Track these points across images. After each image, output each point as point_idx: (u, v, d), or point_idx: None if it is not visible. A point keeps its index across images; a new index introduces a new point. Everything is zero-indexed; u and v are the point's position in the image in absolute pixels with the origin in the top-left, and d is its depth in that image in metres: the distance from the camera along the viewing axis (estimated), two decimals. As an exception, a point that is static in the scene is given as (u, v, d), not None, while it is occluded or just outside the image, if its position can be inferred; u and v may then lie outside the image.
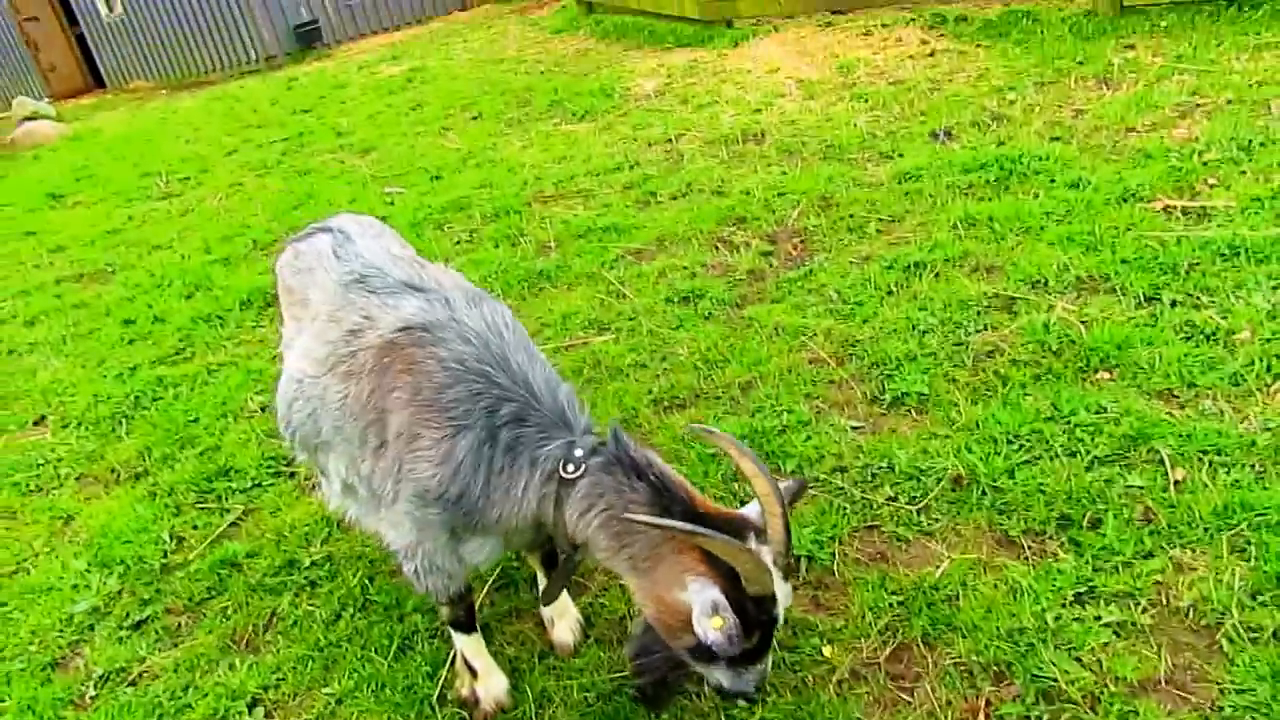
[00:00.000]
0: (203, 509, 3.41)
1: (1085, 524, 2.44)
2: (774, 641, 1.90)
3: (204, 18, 16.60)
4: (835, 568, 2.51)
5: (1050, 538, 2.44)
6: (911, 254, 4.01)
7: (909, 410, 3.09)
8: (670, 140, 6.26)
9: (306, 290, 2.49)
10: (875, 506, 2.69)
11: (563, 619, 2.52)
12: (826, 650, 2.27)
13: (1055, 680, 2.05)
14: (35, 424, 4.36)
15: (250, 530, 3.24)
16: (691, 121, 6.57)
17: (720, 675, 1.89)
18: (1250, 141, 4.36)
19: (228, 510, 3.37)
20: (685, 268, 4.38)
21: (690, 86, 7.51)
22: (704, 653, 1.81)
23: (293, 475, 3.50)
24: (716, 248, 4.55)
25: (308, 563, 3.01)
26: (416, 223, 5.74)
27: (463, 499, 2.02)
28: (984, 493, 2.63)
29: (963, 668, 2.15)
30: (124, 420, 4.16)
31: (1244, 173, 4.12)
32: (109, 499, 3.60)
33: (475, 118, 8.31)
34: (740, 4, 8.73)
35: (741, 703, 2.09)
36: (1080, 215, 4.04)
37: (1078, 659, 2.09)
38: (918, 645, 2.24)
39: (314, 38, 16.16)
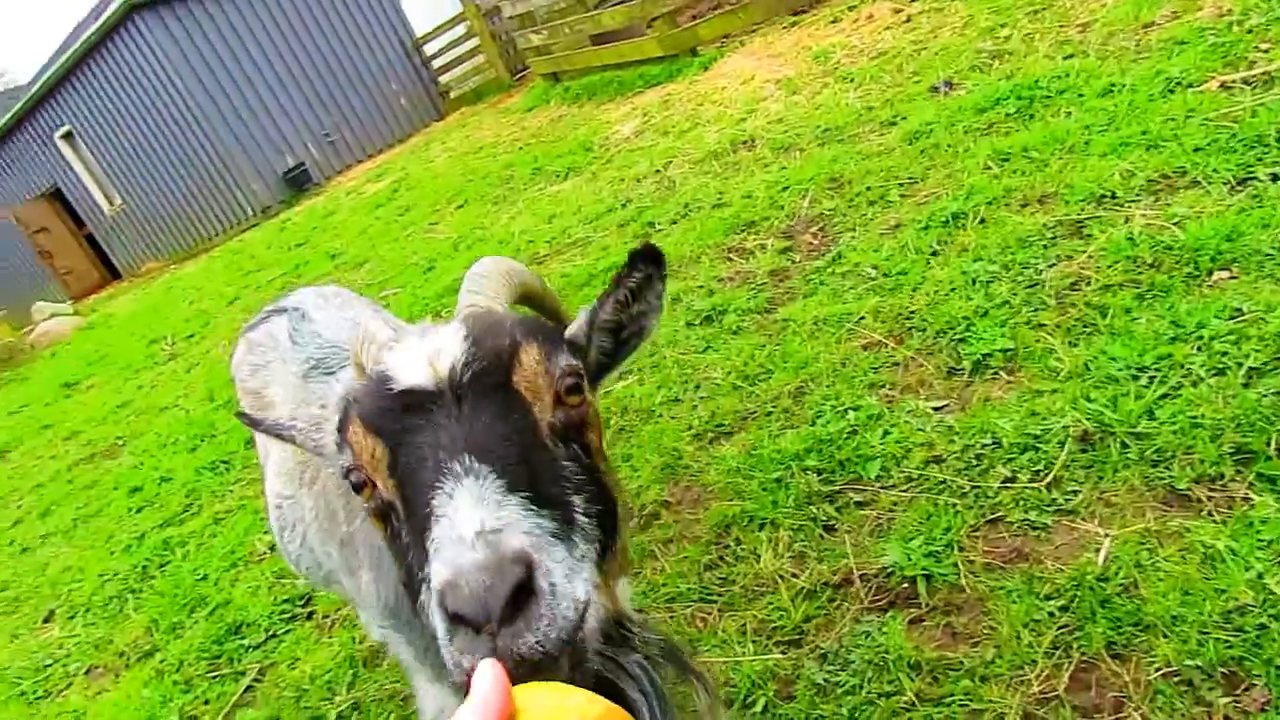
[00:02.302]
0: (215, 678, 2.95)
1: (1273, 451, 1.87)
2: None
3: (197, 189, 16.92)
4: (963, 581, 1.95)
5: (1232, 480, 1.86)
6: (946, 207, 3.51)
7: (996, 372, 2.54)
8: (658, 170, 5.87)
9: (267, 389, 2.08)
10: (991, 494, 2.14)
11: None
12: (984, 691, 1.70)
13: (1316, 669, 1.47)
14: (44, 621, 3.97)
15: (267, 692, 2.76)
16: (676, 148, 6.19)
17: None
18: (1293, -3, 3.82)
19: (241, 673, 2.90)
20: (701, 286, 3.91)
21: (668, 118, 7.16)
22: None
23: (310, 616, 3.03)
24: (730, 258, 4.08)
25: (334, 717, 2.51)
26: (412, 316, 5.37)
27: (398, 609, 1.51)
28: (1124, 445, 2.07)
29: (1176, 678, 1.57)
30: (131, 596, 3.75)
31: (1299, 29, 3.58)
32: (117, 689, 3.15)
33: (461, 206, 8.04)
34: (700, 29, 8.45)
35: None
36: (1126, 119, 3.51)
37: (1335, 632, 1.51)
38: (1104, 661, 1.66)
39: (304, 180, 16.32)
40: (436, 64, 16.33)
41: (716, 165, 5.41)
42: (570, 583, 0.92)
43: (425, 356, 1.07)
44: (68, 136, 18.56)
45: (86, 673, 3.39)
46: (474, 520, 0.90)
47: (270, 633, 3.04)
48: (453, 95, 16.11)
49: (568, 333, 1.24)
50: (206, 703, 2.84)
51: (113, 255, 20.65)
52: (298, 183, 16.21)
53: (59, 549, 4.70)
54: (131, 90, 16.26)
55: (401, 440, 1.04)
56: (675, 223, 4.83)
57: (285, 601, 3.15)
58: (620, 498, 1.16)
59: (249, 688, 2.83)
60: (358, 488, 1.11)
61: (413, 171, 11.42)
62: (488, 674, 0.81)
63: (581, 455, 1.10)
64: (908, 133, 4.42)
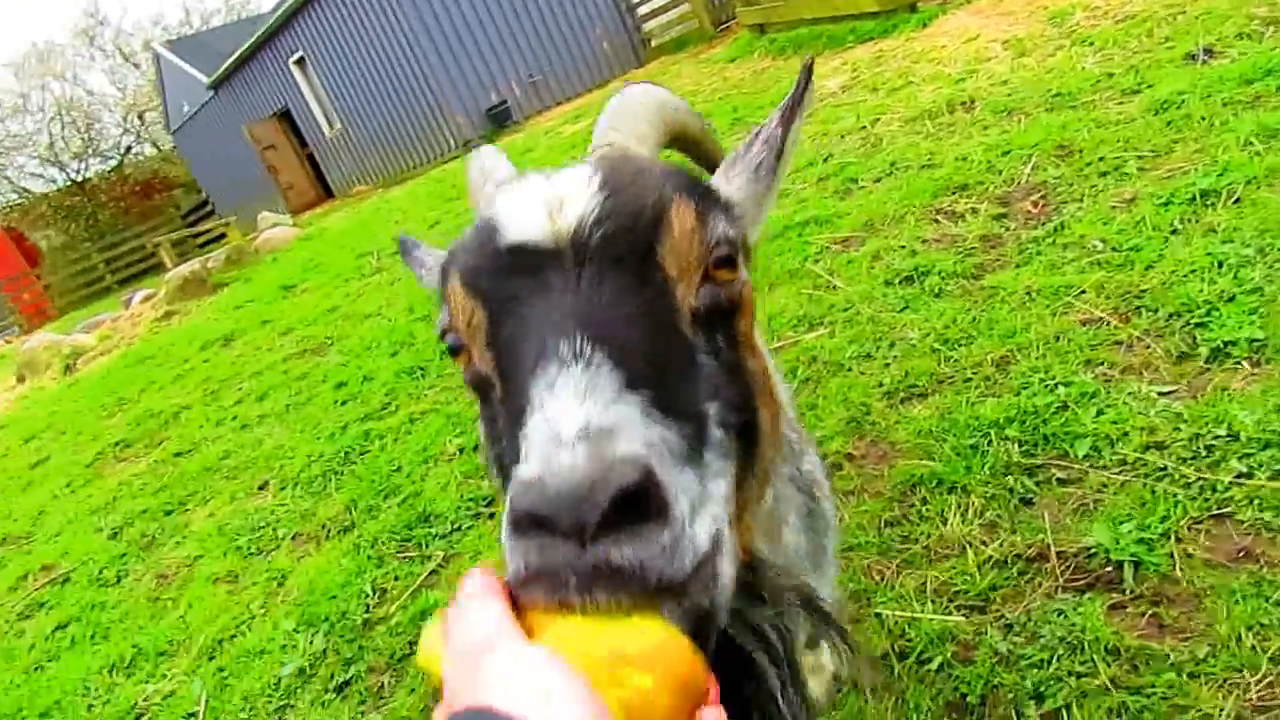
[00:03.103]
0: (404, 559, 3.21)
1: None
2: None
3: (408, 118, 17.96)
4: (1179, 573, 1.82)
5: None
6: (1194, 183, 3.19)
7: (1238, 362, 2.31)
8: (865, 127, 5.68)
9: None
10: (1221, 488, 1.96)
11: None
12: (1192, 688, 1.59)
13: None
14: (259, 489, 4.45)
15: (450, 577, 2.98)
16: (885, 105, 5.95)
17: None
18: None
19: (428, 558, 3.14)
20: (903, 247, 3.77)
21: (878, 75, 6.88)
22: None
23: (492, 515, 3.23)
24: (936, 221, 3.91)
25: (509, 608, 2.68)
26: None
27: None
28: (1393, 455, 1.84)
29: None
30: (334, 476, 4.13)
31: None
32: (318, 555, 3.50)
33: (656, 151, 8.12)
34: (923, -17, 8.03)
35: None
36: None
37: None
38: (1344, 678, 1.51)
39: (505, 117, 16.95)
40: (641, 11, 16.41)
41: (929, 125, 5.17)
42: (698, 520, 0.70)
43: (544, 203, 0.88)
44: (300, 62, 20.12)
45: (293, 538, 3.78)
46: (576, 417, 0.69)
47: (455, 525, 3.27)
48: (654, 43, 16.15)
49: (720, 185, 1.02)
50: (396, 579, 3.10)
51: (328, 175, 22.38)
52: (499, 119, 16.85)
53: (273, 429, 5.22)
54: (359, 22, 17.37)
55: (505, 307, 0.87)
56: (879, 180, 4.67)
57: (470, 500, 3.37)
58: (768, 401, 0.93)
59: (433, 571, 3.07)
60: (454, 351, 0.96)
61: (610, 115, 11.59)
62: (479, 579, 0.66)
63: (725, 348, 0.89)
64: (1154, 102, 4.04)
